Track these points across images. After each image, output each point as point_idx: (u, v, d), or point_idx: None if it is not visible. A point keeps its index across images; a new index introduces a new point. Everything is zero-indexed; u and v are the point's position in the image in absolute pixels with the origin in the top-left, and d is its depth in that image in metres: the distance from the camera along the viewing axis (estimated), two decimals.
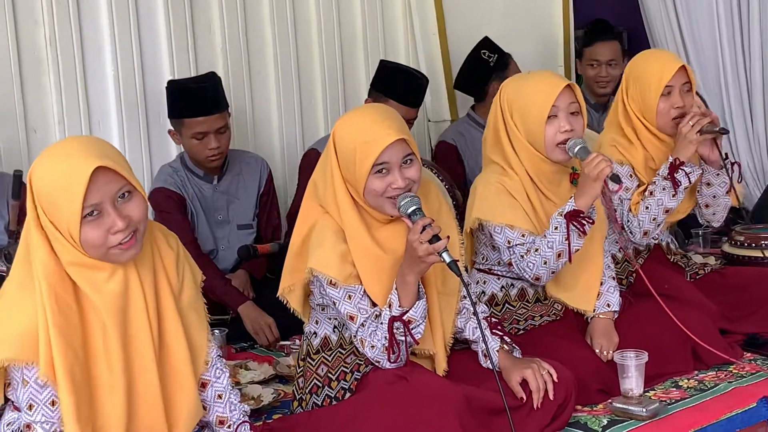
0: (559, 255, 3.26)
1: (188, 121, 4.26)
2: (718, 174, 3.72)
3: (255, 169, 4.58)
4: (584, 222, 3.24)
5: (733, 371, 3.38)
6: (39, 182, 2.42)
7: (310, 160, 4.37)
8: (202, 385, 2.66)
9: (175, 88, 4.34)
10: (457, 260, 2.86)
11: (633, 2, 5.96)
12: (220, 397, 2.69)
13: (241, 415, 2.72)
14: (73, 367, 2.40)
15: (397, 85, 4.53)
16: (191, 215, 4.36)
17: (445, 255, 2.74)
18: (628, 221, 3.68)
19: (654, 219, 3.62)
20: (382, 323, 2.87)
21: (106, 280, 2.46)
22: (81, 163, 2.36)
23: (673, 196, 3.60)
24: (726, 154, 3.69)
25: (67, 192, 2.35)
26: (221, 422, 2.69)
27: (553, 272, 3.31)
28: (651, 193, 3.65)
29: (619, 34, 5.37)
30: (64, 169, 2.38)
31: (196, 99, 4.28)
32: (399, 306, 2.83)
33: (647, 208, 3.64)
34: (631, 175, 3.72)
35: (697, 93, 3.93)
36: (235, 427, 2.70)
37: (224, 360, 2.79)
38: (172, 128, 4.38)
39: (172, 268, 2.61)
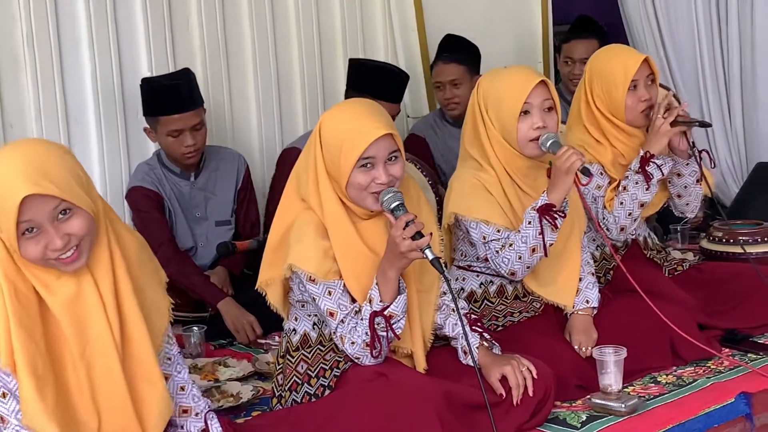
0: (533, 249, 3.28)
1: (163, 119, 4.24)
2: (687, 164, 3.73)
3: (232, 165, 4.57)
4: (556, 216, 3.25)
5: (712, 367, 3.40)
6: None
7: (288, 158, 4.36)
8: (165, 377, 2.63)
9: (149, 86, 4.33)
10: (440, 257, 2.88)
11: None
12: (182, 389, 2.69)
13: (206, 406, 2.72)
14: (34, 357, 2.39)
15: (375, 82, 4.52)
16: (169, 213, 4.34)
17: (428, 252, 2.75)
18: (604, 218, 3.68)
19: (630, 214, 3.63)
20: (362, 319, 2.87)
21: (56, 282, 2.45)
22: (11, 188, 2.32)
23: (647, 189, 3.61)
24: (693, 142, 3.69)
25: (3, 211, 2.33)
26: (184, 411, 2.68)
27: (528, 267, 3.32)
28: (624, 188, 3.66)
29: (603, 31, 5.34)
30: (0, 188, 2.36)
31: (170, 96, 4.26)
32: (380, 301, 2.83)
33: (622, 203, 3.65)
34: (601, 173, 3.73)
35: (660, 84, 3.94)
36: (204, 414, 2.69)
37: (182, 357, 2.77)
38: (147, 126, 4.36)
39: (134, 268, 2.57)
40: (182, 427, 2.69)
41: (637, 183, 3.59)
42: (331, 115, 2.98)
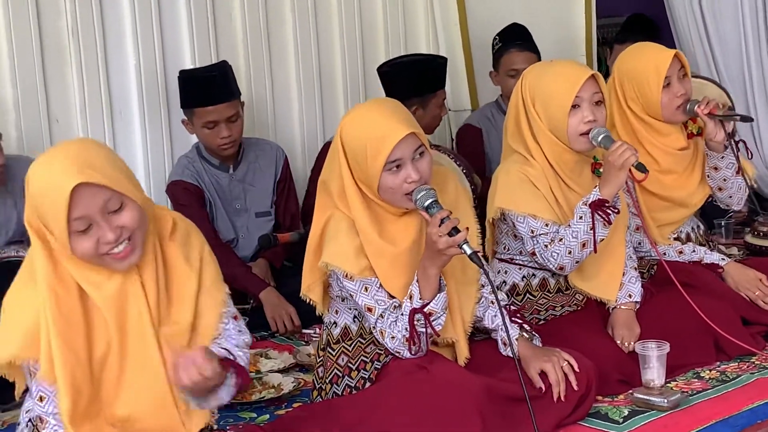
0: (583, 244, 3.26)
1: (198, 111, 4.28)
2: (722, 156, 3.68)
3: (271, 157, 4.58)
4: (609, 211, 3.24)
5: (756, 362, 3.36)
6: (31, 189, 2.40)
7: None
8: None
9: (184, 78, 4.36)
10: (478, 251, 2.87)
11: None
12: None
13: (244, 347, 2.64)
14: (73, 369, 2.41)
15: (413, 80, 4.53)
16: (209, 205, 4.36)
17: (465, 247, 2.74)
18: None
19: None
20: (402, 314, 2.87)
21: (107, 282, 2.46)
22: (61, 180, 2.33)
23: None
24: (730, 133, 3.66)
25: (53, 207, 2.34)
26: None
27: (577, 262, 3.31)
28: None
29: (656, 30, 5.28)
30: (48, 184, 2.36)
31: (204, 88, 4.29)
32: (420, 298, 2.83)
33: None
34: None
35: (699, 76, 3.91)
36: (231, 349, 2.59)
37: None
38: (185, 118, 4.39)
39: (181, 256, 2.58)
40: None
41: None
42: (349, 120, 2.96)
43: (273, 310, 4.08)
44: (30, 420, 2.54)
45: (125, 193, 2.38)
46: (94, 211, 2.35)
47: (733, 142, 3.66)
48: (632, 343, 3.24)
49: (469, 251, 2.74)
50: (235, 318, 2.66)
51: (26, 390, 2.55)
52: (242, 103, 4.43)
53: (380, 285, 2.92)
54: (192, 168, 4.37)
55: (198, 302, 2.57)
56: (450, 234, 2.72)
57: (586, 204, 3.25)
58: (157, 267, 2.52)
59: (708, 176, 3.77)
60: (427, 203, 2.80)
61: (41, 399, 2.45)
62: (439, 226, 2.73)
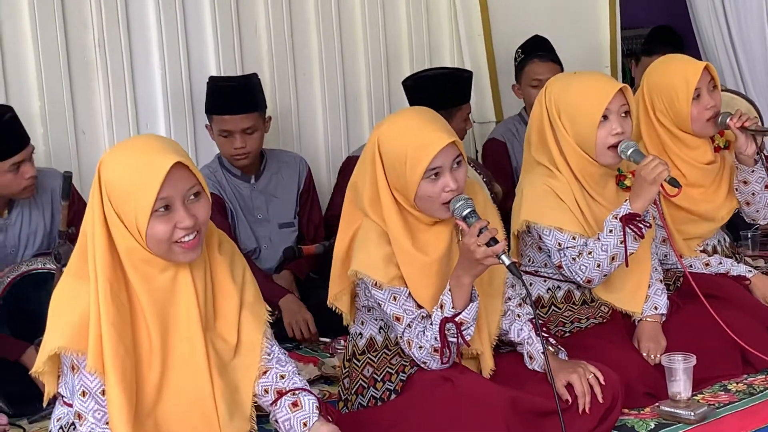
0: (613, 258, 3.26)
1: (216, 118, 4.33)
2: (753, 170, 3.68)
3: (294, 168, 4.60)
4: (641, 225, 3.23)
5: None
6: (111, 174, 2.46)
7: (350, 167, 4.37)
8: (264, 372, 2.64)
9: (210, 84, 4.40)
10: (516, 261, 2.90)
11: (680, 1, 5.93)
12: (282, 378, 2.66)
13: (304, 383, 2.70)
14: (124, 361, 2.42)
15: (438, 92, 4.54)
16: (231, 215, 4.38)
17: (504, 257, 2.74)
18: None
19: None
20: (431, 324, 2.87)
21: (159, 273, 2.50)
22: (160, 158, 2.41)
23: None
24: (762, 147, 3.66)
25: (143, 184, 2.39)
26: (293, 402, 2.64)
27: (605, 275, 3.30)
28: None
29: (681, 42, 5.26)
30: (143, 161, 2.43)
31: (224, 97, 4.33)
32: (452, 307, 2.83)
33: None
34: None
35: (728, 89, 3.91)
36: (291, 388, 2.65)
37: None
38: (207, 123, 4.42)
39: (226, 267, 2.63)
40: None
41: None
42: (388, 128, 2.97)
43: (291, 316, 4.08)
44: (61, 427, 2.56)
45: (204, 188, 2.48)
46: (178, 194, 2.43)
47: (764, 156, 3.65)
48: (658, 355, 3.22)
49: (507, 262, 2.75)
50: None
51: (54, 398, 2.56)
52: (267, 117, 4.44)
53: (409, 294, 2.92)
54: (213, 178, 4.39)
55: (240, 319, 2.61)
56: (488, 244, 2.72)
57: (616, 217, 3.25)
58: (206, 274, 2.58)
59: (736, 190, 3.76)
60: (465, 213, 2.81)
61: (83, 394, 2.45)
62: (477, 236, 2.74)
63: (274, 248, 4.44)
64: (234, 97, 4.31)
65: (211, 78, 4.46)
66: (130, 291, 2.48)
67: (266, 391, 2.64)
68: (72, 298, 2.46)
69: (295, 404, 2.63)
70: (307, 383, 2.72)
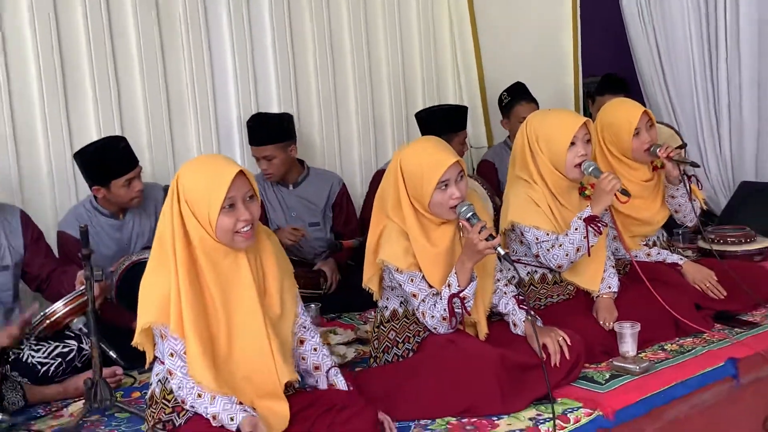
0: (578, 249, 3.26)
1: (251, 149, 4.35)
2: (677, 188, 3.67)
3: (327, 183, 4.55)
4: (599, 225, 3.25)
5: (706, 338, 3.34)
6: (189, 181, 2.49)
7: (378, 180, 4.37)
8: (301, 342, 2.69)
9: (248, 121, 4.38)
10: (508, 252, 2.96)
11: (626, 51, 5.91)
12: (315, 349, 2.72)
13: (332, 362, 2.74)
14: (198, 325, 2.45)
15: (442, 122, 4.52)
16: (267, 216, 4.37)
17: (499, 249, 2.80)
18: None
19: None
20: (441, 299, 2.90)
21: (224, 257, 2.52)
22: (227, 167, 2.47)
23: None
24: (684, 171, 3.64)
25: (214, 187, 2.43)
26: (316, 368, 2.71)
27: (572, 262, 3.30)
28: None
29: (627, 86, 5.22)
30: (214, 170, 2.48)
31: (253, 132, 4.33)
32: (458, 285, 2.85)
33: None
34: None
35: (661, 122, 3.90)
36: (326, 369, 2.71)
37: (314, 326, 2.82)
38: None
39: (272, 254, 2.65)
40: (317, 381, 2.71)
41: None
42: (407, 152, 2.99)
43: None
44: (159, 380, 2.58)
45: (256, 192, 2.51)
46: (240, 195, 2.47)
47: (685, 177, 3.64)
48: (611, 323, 3.22)
49: (502, 252, 2.80)
50: None
51: (153, 360, 2.59)
52: (289, 146, 4.35)
53: (422, 277, 2.94)
54: (262, 187, 4.37)
55: (282, 294, 2.63)
56: (487, 239, 2.76)
57: (580, 219, 3.26)
58: (257, 259, 2.60)
59: (667, 201, 3.75)
60: (468, 215, 2.86)
61: (171, 355, 2.48)
62: (479, 233, 2.77)
63: (308, 242, 4.40)
64: (258, 132, 4.31)
65: (251, 117, 4.42)
66: (199, 273, 2.50)
67: (303, 359, 2.69)
68: (154, 284, 2.49)
69: (331, 385, 2.69)
70: (332, 357, 2.78)
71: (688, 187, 3.64)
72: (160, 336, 2.49)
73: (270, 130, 4.30)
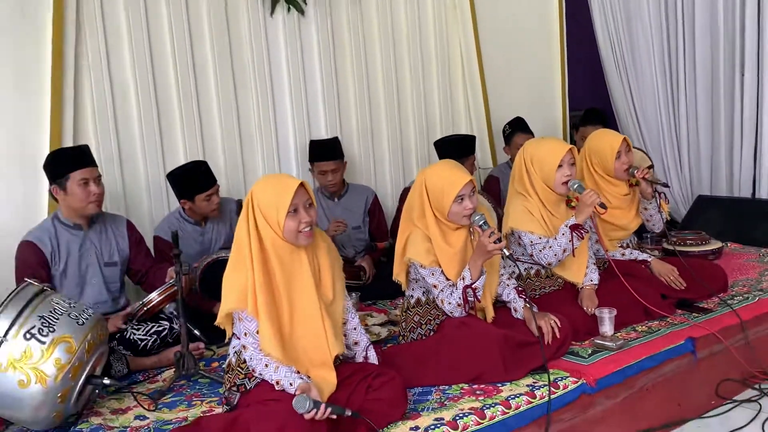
0: (564, 250, 3.26)
1: (316, 164, 4.37)
2: (650, 202, 3.65)
3: (363, 195, 4.56)
4: (582, 231, 3.24)
5: (669, 321, 3.33)
6: (261, 194, 2.53)
7: (405, 194, 4.40)
8: (344, 322, 2.70)
9: (311, 144, 4.42)
10: (512, 253, 2.98)
11: (604, 89, 5.89)
12: (355, 329, 2.73)
13: (367, 339, 2.76)
14: (269, 309, 2.48)
15: (456, 148, 4.51)
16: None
17: (504, 250, 2.82)
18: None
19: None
20: (456, 289, 2.90)
21: (289, 254, 2.53)
22: (291, 180, 2.51)
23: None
24: (655, 189, 3.62)
25: (281, 197, 2.47)
26: (355, 343, 2.73)
27: (559, 261, 3.29)
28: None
29: (605, 118, 5.20)
30: (280, 183, 2.52)
31: (322, 150, 4.35)
32: (470, 279, 2.86)
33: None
34: None
35: (634, 147, 3.88)
36: (365, 347, 2.73)
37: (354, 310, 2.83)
38: (310, 167, 4.44)
39: (326, 251, 2.67)
40: (354, 354, 2.73)
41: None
42: (430, 172, 3.00)
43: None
44: (236, 352, 2.60)
45: (313, 200, 2.54)
46: (301, 202, 2.50)
47: (657, 194, 3.63)
48: (593, 309, 3.22)
49: (507, 253, 2.83)
50: None
51: (231, 336, 2.62)
52: (345, 162, 4.42)
53: (441, 272, 2.95)
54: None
55: (333, 284, 2.64)
56: (495, 242, 2.78)
57: (567, 226, 3.25)
58: (314, 255, 2.61)
59: (641, 212, 3.73)
60: (480, 223, 2.87)
61: (246, 334, 2.51)
62: (489, 237, 2.78)
63: (352, 243, 4.43)
64: (325, 151, 4.34)
65: (311, 141, 4.46)
66: (270, 268, 2.52)
67: (345, 336, 2.70)
68: (234, 278, 2.51)
69: (365, 358, 2.72)
70: (367, 336, 2.78)
71: (658, 202, 3.63)
72: (238, 318, 2.52)
73: (335, 149, 4.36)
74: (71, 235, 3.32)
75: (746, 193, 5.12)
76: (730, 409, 3.04)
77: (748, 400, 3.08)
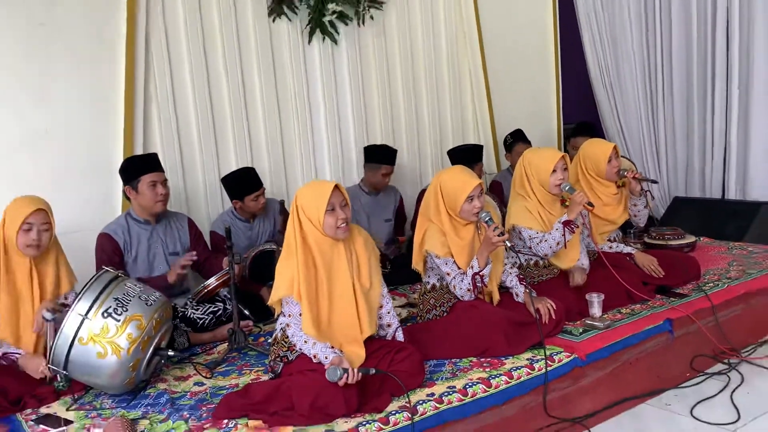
0: (557, 243, 3.22)
1: (383, 167, 4.31)
2: (639, 199, 3.60)
3: (393, 194, 4.54)
4: (573, 227, 3.20)
5: (650, 305, 3.28)
6: (303, 198, 2.53)
7: (422, 195, 4.37)
8: (379, 307, 2.68)
9: (371, 148, 4.37)
10: (514, 245, 2.98)
11: (593, 104, 5.82)
12: (388, 312, 2.71)
13: (398, 323, 2.74)
14: (310, 295, 2.48)
15: (466, 156, 4.48)
16: (355, 214, 4.36)
17: (507, 243, 2.80)
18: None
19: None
20: (466, 276, 2.88)
21: (329, 247, 2.53)
22: (327, 184, 2.50)
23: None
24: (642, 187, 3.57)
25: (320, 197, 2.47)
26: (389, 325, 2.71)
27: (554, 252, 3.26)
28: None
29: (594, 130, 5.13)
30: (319, 187, 2.52)
31: (383, 154, 4.32)
32: (478, 267, 2.84)
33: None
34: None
35: (623, 156, 3.84)
36: (395, 328, 2.71)
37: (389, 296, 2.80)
38: (364, 165, 4.41)
39: (363, 244, 2.65)
40: (386, 334, 2.71)
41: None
42: (444, 176, 2.97)
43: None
44: (281, 328, 2.61)
45: (347, 201, 2.53)
46: (337, 202, 2.50)
47: (645, 193, 3.58)
48: (581, 281, 3.20)
49: (509, 245, 2.84)
50: None
51: (278, 315, 2.62)
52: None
53: (454, 261, 2.92)
54: (356, 194, 4.39)
55: (370, 272, 2.63)
56: (499, 236, 2.75)
57: (560, 222, 3.22)
58: (351, 247, 2.60)
59: (629, 209, 3.68)
60: (486, 219, 2.84)
61: (290, 315, 2.52)
62: (494, 231, 2.76)
63: (382, 233, 4.41)
64: (393, 157, 4.32)
65: (380, 145, 4.40)
66: (312, 260, 2.51)
67: (379, 318, 2.68)
68: (283, 270, 2.52)
69: (394, 338, 2.69)
70: (398, 319, 2.76)
71: (647, 198, 3.58)
72: (285, 302, 2.54)
73: (395, 157, 4.35)
74: (141, 229, 3.35)
75: (717, 195, 5.06)
76: (702, 381, 3.00)
77: (719, 373, 3.04)
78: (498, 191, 4.81)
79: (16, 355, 2.67)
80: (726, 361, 3.13)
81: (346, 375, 2.28)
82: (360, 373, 2.32)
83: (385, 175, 4.34)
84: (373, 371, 2.37)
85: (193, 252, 3.30)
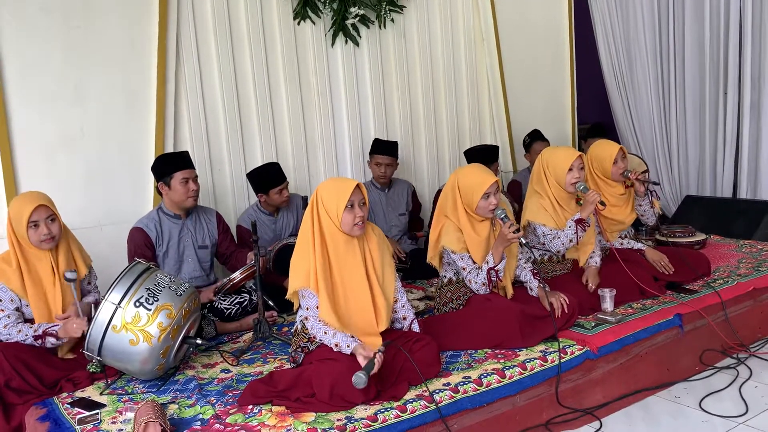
0: (570, 240, 3.20)
1: (376, 156, 4.28)
2: (644, 199, 3.56)
3: (404, 188, 4.50)
4: (585, 225, 3.18)
5: (660, 300, 3.25)
6: (324, 192, 2.51)
7: (439, 194, 4.35)
8: (395, 300, 2.67)
9: (375, 141, 4.35)
10: (528, 241, 2.95)
11: (607, 105, 5.76)
12: (403, 306, 2.71)
13: (413, 315, 2.73)
14: (327, 286, 2.48)
15: (483, 156, 4.44)
16: (370, 210, 4.34)
17: (522, 239, 2.77)
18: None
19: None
20: (482, 271, 2.87)
21: (343, 243, 2.52)
22: (349, 182, 2.48)
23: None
24: (648, 187, 3.53)
25: (341, 194, 2.45)
26: (404, 318, 2.71)
27: (566, 248, 3.24)
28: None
29: (606, 131, 5.06)
30: (340, 184, 2.49)
31: (385, 147, 4.29)
32: (493, 262, 2.83)
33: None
34: None
35: (631, 153, 3.78)
36: (411, 320, 2.70)
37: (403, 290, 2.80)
38: (369, 160, 4.37)
39: (376, 242, 2.63)
40: (402, 326, 2.71)
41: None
42: (461, 173, 2.96)
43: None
44: (301, 320, 2.61)
45: (366, 199, 2.52)
46: (357, 200, 2.48)
47: (649, 192, 3.54)
48: (594, 285, 3.17)
49: (524, 241, 2.78)
50: None
51: (298, 307, 2.63)
52: (397, 163, 4.37)
53: (470, 256, 2.91)
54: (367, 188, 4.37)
55: (384, 267, 2.63)
56: (514, 232, 2.74)
57: (572, 221, 3.20)
58: (366, 243, 2.59)
59: (636, 208, 3.64)
60: (502, 216, 2.83)
61: (307, 308, 2.52)
62: (509, 228, 2.74)
63: (400, 225, 4.40)
64: (388, 147, 4.28)
65: (376, 138, 4.39)
66: (328, 254, 2.51)
67: (395, 311, 2.68)
68: (301, 260, 2.52)
69: (410, 329, 2.69)
70: (413, 311, 2.75)
71: (650, 199, 3.55)
72: (302, 295, 2.54)
73: (392, 148, 4.32)
74: (172, 223, 3.38)
75: (728, 194, 4.99)
76: (711, 374, 2.96)
77: (727, 367, 3.01)
78: (516, 192, 4.77)
79: (55, 329, 2.70)
80: (735, 355, 3.09)
81: (376, 363, 2.28)
82: (382, 355, 2.32)
83: (379, 164, 4.28)
84: (386, 344, 2.37)
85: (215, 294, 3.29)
